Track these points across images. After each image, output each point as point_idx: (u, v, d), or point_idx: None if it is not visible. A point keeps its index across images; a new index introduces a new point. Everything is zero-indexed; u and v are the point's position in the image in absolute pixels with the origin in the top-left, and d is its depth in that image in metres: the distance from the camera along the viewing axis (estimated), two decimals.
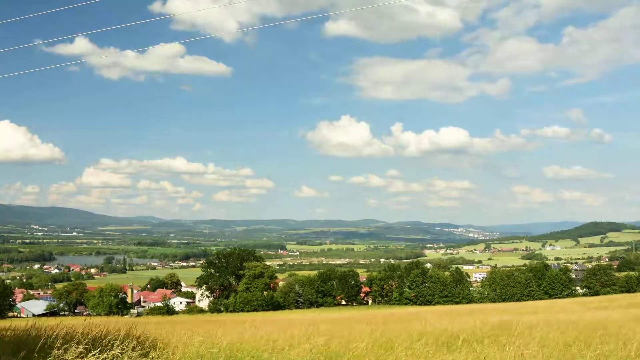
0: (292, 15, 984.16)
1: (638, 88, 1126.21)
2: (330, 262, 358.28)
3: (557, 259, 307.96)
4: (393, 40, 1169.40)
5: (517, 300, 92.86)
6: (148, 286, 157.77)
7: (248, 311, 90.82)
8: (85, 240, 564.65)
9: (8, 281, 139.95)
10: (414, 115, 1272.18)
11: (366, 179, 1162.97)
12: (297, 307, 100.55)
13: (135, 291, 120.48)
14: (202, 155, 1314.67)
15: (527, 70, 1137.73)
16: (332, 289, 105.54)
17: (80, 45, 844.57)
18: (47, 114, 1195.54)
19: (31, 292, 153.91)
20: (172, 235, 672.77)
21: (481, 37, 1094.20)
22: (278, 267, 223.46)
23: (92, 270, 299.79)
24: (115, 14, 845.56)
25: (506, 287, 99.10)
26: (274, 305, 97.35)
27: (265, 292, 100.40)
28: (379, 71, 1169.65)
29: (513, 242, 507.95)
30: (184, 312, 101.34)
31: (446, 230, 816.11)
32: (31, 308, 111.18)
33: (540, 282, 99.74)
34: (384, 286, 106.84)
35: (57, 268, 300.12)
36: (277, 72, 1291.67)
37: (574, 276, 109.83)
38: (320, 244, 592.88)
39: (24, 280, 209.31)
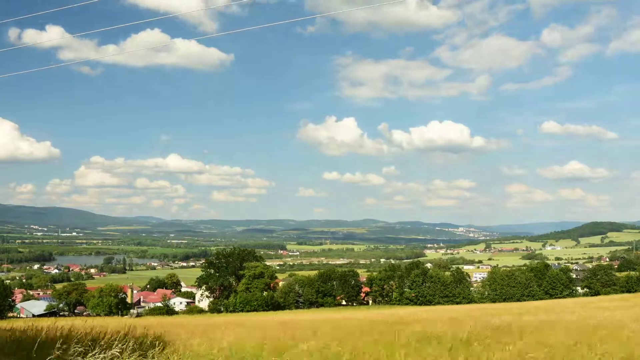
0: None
1: (633, 85, 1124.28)
2: (330, 262, 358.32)
3: (557, 259, 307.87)
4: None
5: (518, 300, 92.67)
6: (148, 286, 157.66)
7: (248, 311, 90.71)
8: (84, 241, 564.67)
9: (8, 281, 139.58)
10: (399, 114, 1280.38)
11: (365, 179, 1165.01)
12: (297, 307, 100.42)
13: (135, 291, 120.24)
14: (201, 155, 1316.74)
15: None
16: (332, 289, 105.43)
17: (69, 40, 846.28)
18: (33, 111, 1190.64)
19: (31, 292, 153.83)
20: (172, 235, 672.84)
21: (459, 35, 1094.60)
22: (278, 267, 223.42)
23: (92, 271, 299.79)
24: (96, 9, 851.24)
25: (506, 287, 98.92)
26: (274, 306, 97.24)
27: (265, 292, 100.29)
28: (358, 71, 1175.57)
29: (513, 242, 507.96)
30: (183, 312, 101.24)
31: (446, 230, 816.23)
32: (31, 308, 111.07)
33: (540, 282, 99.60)
34: (384, 286, 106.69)
35: (56, 268, 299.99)
36: (263, 71, 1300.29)
37: (574, 276, 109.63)
38: (321, 244, 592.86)
39: (24, 280, 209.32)
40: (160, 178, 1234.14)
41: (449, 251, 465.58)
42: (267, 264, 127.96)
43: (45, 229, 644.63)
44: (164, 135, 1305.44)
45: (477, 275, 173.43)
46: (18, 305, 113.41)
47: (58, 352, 7.40)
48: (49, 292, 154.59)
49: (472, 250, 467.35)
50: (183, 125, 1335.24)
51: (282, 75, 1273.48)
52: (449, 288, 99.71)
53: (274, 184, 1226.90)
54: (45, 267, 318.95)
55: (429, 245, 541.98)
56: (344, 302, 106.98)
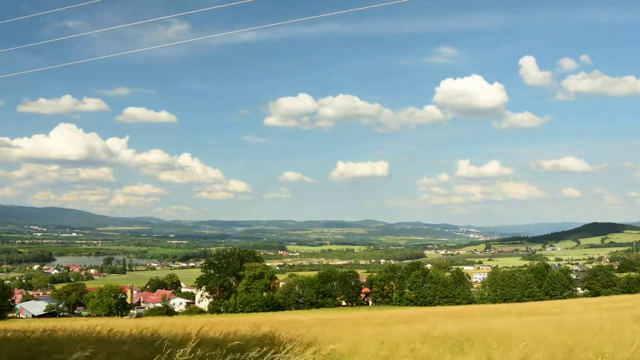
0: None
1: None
2: (330, 262, 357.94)
3: (557, 259, 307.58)
4: None
5: (518, 301, 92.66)
6: (148, 287, 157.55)
7: (248, 312, 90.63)
8: (84, 241, 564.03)
9: (7, 282, 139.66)
10: None
11: (366, 179, 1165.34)
12: (298, 308, 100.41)
13: (134, 292, 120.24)
14: (201, 155, 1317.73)
15: None
16: (332, 289, 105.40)
17: None
18: None
19: (30, 292, 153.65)
20: (172, 235, 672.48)
21: None
22: (278, 268, 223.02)
23: (92, 271, 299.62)
24: None
25: (507, 287, 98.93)
26: (274, 306, 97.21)
27: (265, 293, 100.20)
28: None
29: (514, 243, 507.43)
30: (183, 313, 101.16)
31: (446, 230, 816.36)
32: (30, 309, 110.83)
33: (541, 282, 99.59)
34: (385, 287, 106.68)
35: (56, 269, 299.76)
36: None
37: (574, 277, 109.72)
38: (321, 244, 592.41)
39: (24, 280, 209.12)
40: (162, 179, 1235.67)
41: (449, 252, 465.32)
42: (267, 264, 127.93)
43: (45, 229, 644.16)
44: (166, 134, 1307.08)
45: (477, 275, 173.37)
46: (18, 306, 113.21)
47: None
48: (48, 292, 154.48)
49: (472, 251, 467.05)
50: (186, 124, 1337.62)
51: None
52: (449, 289, 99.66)
53: (274, 185, 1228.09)
54: (45, 267, 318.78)
55: (429, 246, 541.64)
56: (344, 303, 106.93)
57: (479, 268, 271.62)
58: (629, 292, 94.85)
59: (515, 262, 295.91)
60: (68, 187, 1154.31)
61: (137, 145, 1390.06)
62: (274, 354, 8.08)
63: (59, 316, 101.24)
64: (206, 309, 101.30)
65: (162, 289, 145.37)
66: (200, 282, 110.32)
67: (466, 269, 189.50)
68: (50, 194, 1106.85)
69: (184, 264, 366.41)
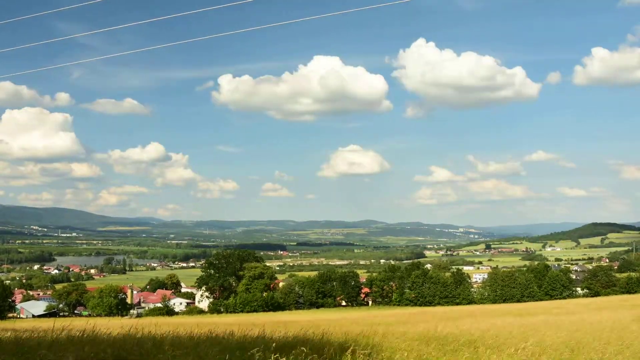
0: None
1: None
2: (330, 263, 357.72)
3: (557, 259, 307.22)
4: None
5: (518, 301, 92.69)
6: (148, 287, 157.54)
7: (248, 312, 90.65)
8: (85, 241, 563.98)
9: (8, 282, 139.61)
10: None
11: (366, 178, 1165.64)
12: (297, 308, 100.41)
13: (135, 292, 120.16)
14: (200, 155, 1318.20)
15: None
16: (332, 289, 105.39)
17: None
18: None
19: (31, 292, 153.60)
20: (172, 236, 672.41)
21: None
22: (278, 268, 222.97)
23: (92, 271, 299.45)
24: None
25: (507, 288, 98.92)
26: (274, 306, 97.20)
27: (265, 293, 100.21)
28: None
29: (513, 243, 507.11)
30: (183, 313, 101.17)
31: (446, 231, 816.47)
32: (31, 309, 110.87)
33: (540, 283, 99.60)
34: (384, 287, 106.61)
35: (56, 269, 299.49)
36: None
37: (574, 277, 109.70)
38: (321, 244, 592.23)
39: (24, 280, 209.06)
40: (162, 180, 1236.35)
41: (448, 252, 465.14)
42: (267, 264, 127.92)
43: (45, 229, 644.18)
44: (167, 135, 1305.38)
45: (477, 276, 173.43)
46: (18, 306, 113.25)
47: None
48: (49, 292, 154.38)
49: (472, 251, 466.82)
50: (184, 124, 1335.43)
51: None
52: (449, 289, 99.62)
53: (274, 185, 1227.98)
54: (45, 267, 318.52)
55: (429, 246, 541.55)
56: (343, 303, 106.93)
57: (478, 268, 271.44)
58: (629, 292, 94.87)
59: (515, 262, 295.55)
60: (66, 186, 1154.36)
61: (132, 143, 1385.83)
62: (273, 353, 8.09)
63: (59, 316, 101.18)
64: (206, 309, 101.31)
65: (162, 289, 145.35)
66: (200, 282, 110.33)
67: (466, 269, 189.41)
68: (49, 194, 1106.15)
69: (184, 264, 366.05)
